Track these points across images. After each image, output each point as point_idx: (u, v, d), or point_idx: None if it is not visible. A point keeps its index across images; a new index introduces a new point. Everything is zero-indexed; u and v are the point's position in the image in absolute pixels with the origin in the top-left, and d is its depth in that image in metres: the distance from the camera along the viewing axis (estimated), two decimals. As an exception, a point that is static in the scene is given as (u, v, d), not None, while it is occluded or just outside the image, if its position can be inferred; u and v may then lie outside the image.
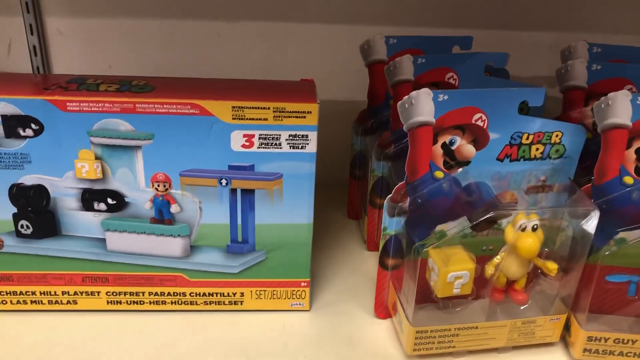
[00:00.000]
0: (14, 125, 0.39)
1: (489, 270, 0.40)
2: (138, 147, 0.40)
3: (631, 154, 0.40)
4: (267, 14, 0.59)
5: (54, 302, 0.45)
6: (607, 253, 0.38)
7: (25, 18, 0.59)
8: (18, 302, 0.45)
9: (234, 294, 0.45)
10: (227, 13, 0.59)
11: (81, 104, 0.38)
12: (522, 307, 0.42)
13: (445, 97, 0.38)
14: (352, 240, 0.57)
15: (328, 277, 0.51)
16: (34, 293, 0.44)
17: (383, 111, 0.53)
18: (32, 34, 0.59)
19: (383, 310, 0.45)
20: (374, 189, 0.52)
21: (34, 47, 0.60)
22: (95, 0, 0.59)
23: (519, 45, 0.61)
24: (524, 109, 0.46)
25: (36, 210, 0.42)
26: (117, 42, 0.61)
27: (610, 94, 0.38)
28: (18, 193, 0.41)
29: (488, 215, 0.37)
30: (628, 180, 0.40)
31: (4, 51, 0.61)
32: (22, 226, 0.42)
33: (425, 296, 0.41)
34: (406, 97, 0.37)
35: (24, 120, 0.39)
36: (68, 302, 0.45)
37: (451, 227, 0.39)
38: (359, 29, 0.59)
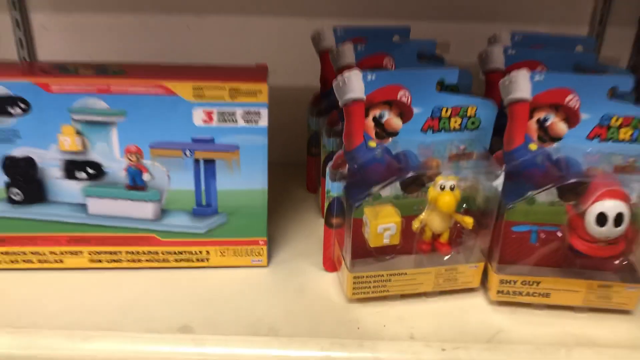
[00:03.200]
0: (5, 104, 0.45)
1: (415, 224, 0.47)
2: (113, 123, 0.46)
3: (533, 124, 0.47)
4: (231, 9, 0.66)
5: (42, 261, 0.51)
6: (509, 207, 0.46)
7: (11, 14, 0.65)
8: (11, 261, 0.51)
9: (201, 252, 0.52)
10: (195, 8, 0.66)
11: (63, 86, 0.45)
12: (445, 257, 0.49)
13: (373, 77, 0.45)
14: (310, 210, 0.64)
15: (286, 240, 0.57)
16: (24, 253, 0.51)
17: (333, 94, 0.60)
18: (19, 28, 0.66)
19: (330, 265, 0.52)
20: (325, 163, 0.58)
21: (20, 40, 0.66)
22: (76, -3, 0.66)
23: (459, 36, 0.69)
24: (450, 88, 0.53)
25: (26, 179, 0.48)
26: (96, 34, 0.67)
27: (512, 72, 0.45)
28: (9, 164, 0.47)
29: (410, 175, 0.44)
30: (532, 146, 0.47)
31: (-8, 44, 0.67)
32: (13, 193, 0.48)
33: (363, 250, 0.47)
34: (339, 76, 0.44)
35: (14, 100, 0.45)
36: (55, 261, 0.51)
37: (383, 189, 0.46)
38: (311, 21, 0.66)
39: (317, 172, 0.64)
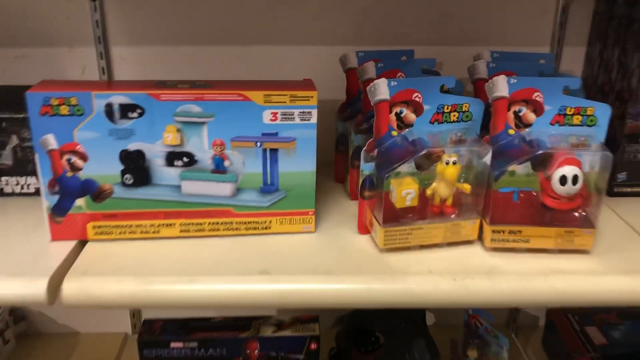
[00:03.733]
0: (126, 110, 0.62)
1: (428, 191, 0.64)
2: (204, 123, 0.63)
3: (511, 114, 0.64)
4: (271, 41, 0.84)
5: (144, 232, 0.67)
6: (495, 174, 0.63)
7: (97, 47, 0.82)
8: (121, 232, 0.66)
9: (265, 222, 0.68)
10: (243, 40, 0.84)
11: (169, 96, 0.61)
12: (452, 216, 0.66)
13: (395, 83, 0.62)
14: (340, 195, 0.80)
15: (326, 215, 0.73)
16: (130, 226, 0.66)
17: (356, 103, 0.77)
18: (101, 59, 0.82)
19: (364, 228, 0.69)
20: (353, 155, 0.75)
21: (103, 68, 0.83)
22: (148, 34, 0.83)
23: (452, 56, 0.87)
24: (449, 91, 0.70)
25: (136, 167, 0.64)
26: (162, 63, 0.84)
27: (494, 77, 0.63)
28: (125, 156, 0.63)
29: (422, 153, 0.61)
30: (511, 132, 0.65)
31: (79, 71, 0.84)
32: (126, 178, 0.64)
33: (390, 214, 0.64)
34: (371, 84, 0.62)
35: (132, 107, 0.61)
36: (154, 231, 0.67)
37: (402, 166, 0.63)
38: (336, 49, 0.84)
39: (344, 166, 0.81)
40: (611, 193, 0.79)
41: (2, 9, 0.82)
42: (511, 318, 1.07)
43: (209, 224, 0.67)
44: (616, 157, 0.77)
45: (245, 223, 0.68)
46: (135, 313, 1.02)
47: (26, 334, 1.04)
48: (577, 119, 0.63)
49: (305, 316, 0.79)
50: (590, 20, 0.85)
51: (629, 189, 0.79)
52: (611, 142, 0.78)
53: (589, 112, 0.63)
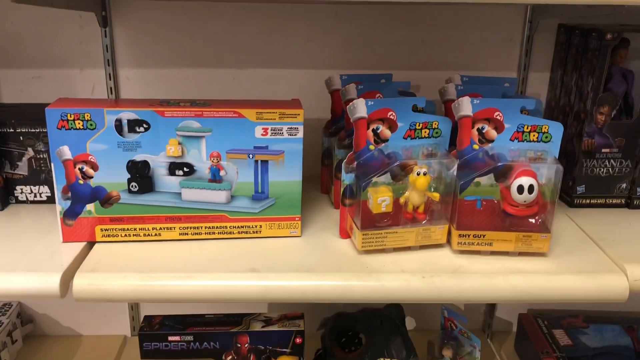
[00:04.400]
0: (133, 125, 0.69)
1: (402, 199, 0.72)
2: (203, 137, 0.71)
3: (475, 131, 0.72)
4: (264, 64, 0.92)
5: (146, 234, 0.74)
6: (461, 184, 0.71)
7: (105, 69, 0.90)
8: (125, 235, 0.74)
9: (256, 226, 0.75)
10: (238, 64, 0.92)
11: (172, 112, 0.69)
12: (423, 222, 0.73)
13: (372, 102, 0.70)
14: (325, 204, 0.88)
15: (311, 222, 0.81)
16: (135, 229, 0.74)
17: (340, 121, 0.85)
18: (110, 79, 0.91)
19: (345, 233, 0.76)
20: (337, 167, 0.83)
21: (110, 88, 0.91)
22: (152, 57, 0.91)
23: (427, 80, 0.96)
24: (420, 110, 0.78)
25: (141, 176, 0.72)
26: (164, 83, 0.93)
27: (460, 98, 0.71)
28: (131, 166, 0.71)
29: (397, 164, 0.69)
30: (475, 147, 0.73)
31: (89, 90, 0.92)
32: (132, 186, 0.72)
33: (368, 220, 0.71)
34: (351, 103, 0.70)
35: (139, 122, 0.69)
36: (155, 234, 0.74)
37: (379, 177, 0.71)
38: (321, 72, 0.92)
39: (329, 178, 0.89)
40: (571, 204, 0.87)
41: (21, 34, 0.90)
42: (486, 324, 1.14)
43: (206, 227, 0.75)
44: (575, 171, 0.86)
45: (238, 227, 0.75)
46: (134, 316, 1.09)
47: (32, 335, 1.11)
48: (533, 136, 0.72)
49: (292, 314, 0.86)
50: (553, 48, 0.94)
51: (587, 201, 0.87)
52: (570, 158, 0.87)
53: (544, 130, 0.71)
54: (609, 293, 0.68)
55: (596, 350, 0.97)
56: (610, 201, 0.87)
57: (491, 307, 1.13)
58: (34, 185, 0.84)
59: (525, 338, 1.03)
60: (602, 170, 0.85)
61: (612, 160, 0.84)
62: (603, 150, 0.84)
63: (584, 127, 0.84)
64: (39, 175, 0.83)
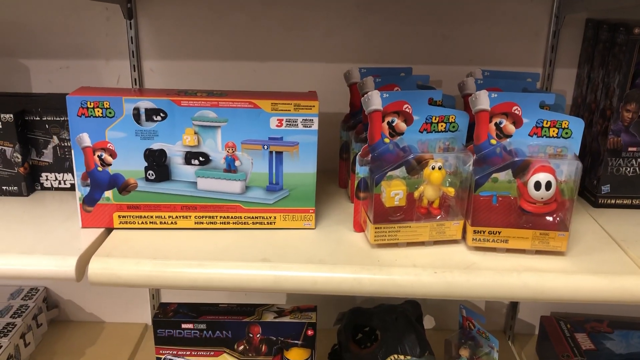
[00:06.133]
0: (151, 114, 0.71)
1: (416, 194, 0.71)
2: (219, 127, 0.71)
3: (492, 126, 0.71)
4: (285, 57, 0.93)
5: (163, 222, 0.75)
6: (477, 179, 0.69)
7: (130, 61, 0.92)
8: (142, 222, 0.75)
9: (270, 217, 0.76)
10: (259, 57, 0.93)
11: (189, 102, 0.70)
12: (437, 217, 0.72)
13: (387, 95, 0.70)
14: (342, 198, 0.87)
15: (326, 216, 0.81)
16: (151, 217, 0.75)
17: (358, 114, 0.85)
18: (134, 71, 0.92)
19: (358, 226, 0.76)
20: (354, 162, 0.83)
21: (135, 79, 0.93)
22: (175, 49, 0.93)
23: (449, 74, 0.94)
24: (437, 104, 0.77)
25: (158, 164, 0.73)
26: (188, 75, 0.94)
27: (477, 92, 0.70)
28: (148, 154, 0.72)
29: (409, 158, 0.69)
30: (493, 141, 0.72)
31: (114, 81, 0.94)
32: (149, 174, 0.73)
33: (381, 214, 0.71)
34: (365, 95, 0.69)
35: (157, 111, 0.70)
36: (171, 222, 0.75)
37: (393, 170, 0.70)
38: (341, 65, 0.92)
39: (347, 172, 0.88)
40: (595, 204, 0.85)
41: (49, 26, 0.93)
42: (508, 325, 1.12)
43: (221, 217, 0.75)
44: (600, 171, 0.83)
45: (252, 218, 0.76)
46: (155, 305, 1.11)
47: (57, 320, 1.14)
48: (553, 131, 0.70)
49: (305, 306, 0.86)
50: (580, 44, 0.92)
51: (612, 201, 0.84)
52: (595, 157, 0.85)
53: (564, 125, 0.69)
54: (628, 295, 0.66)
55: (621, 356, 0.94)
56: (636, 202, 0.84)
57: (513, 308, 1.11)
58: (59, 173, 0.86)
59: (546, 340, 1.00)
60: (628, 169, 0.82)
61: (638, 160, 0.82)
62: (629, 149, 0.81)
63: (609, 125, 0.81)
64: (64, 162, 0.86)
